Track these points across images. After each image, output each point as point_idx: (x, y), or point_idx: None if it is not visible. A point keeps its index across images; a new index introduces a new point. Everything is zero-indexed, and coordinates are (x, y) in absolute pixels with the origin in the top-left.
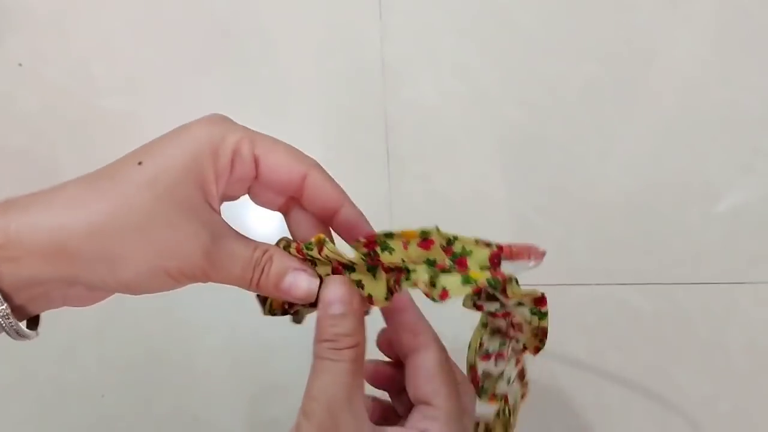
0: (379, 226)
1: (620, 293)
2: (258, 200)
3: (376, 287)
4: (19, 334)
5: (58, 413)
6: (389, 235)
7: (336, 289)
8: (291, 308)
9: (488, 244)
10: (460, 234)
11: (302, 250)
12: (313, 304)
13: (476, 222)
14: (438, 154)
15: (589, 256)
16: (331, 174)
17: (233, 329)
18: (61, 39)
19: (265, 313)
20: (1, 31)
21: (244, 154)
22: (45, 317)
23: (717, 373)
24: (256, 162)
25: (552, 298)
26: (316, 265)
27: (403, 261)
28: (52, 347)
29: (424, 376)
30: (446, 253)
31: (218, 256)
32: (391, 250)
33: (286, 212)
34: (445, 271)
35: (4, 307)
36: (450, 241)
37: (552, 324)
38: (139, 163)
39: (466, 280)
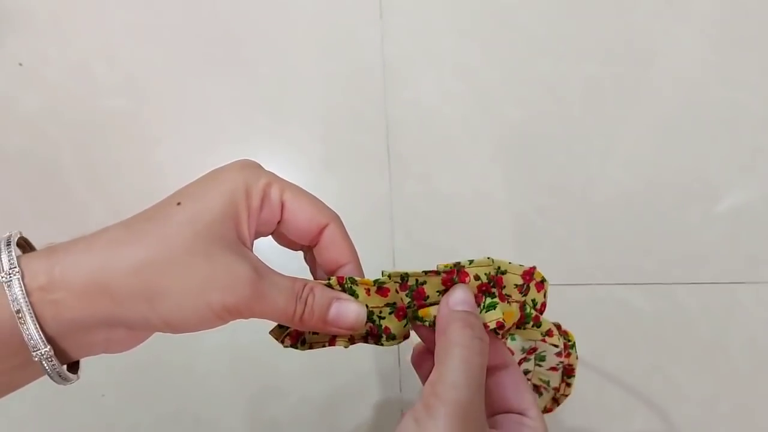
0: (380, 226)
1: (620, 293)
2: (280, 241)
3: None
4: (61, 377)
5: (58, 413)
6: (353, 281)
7: (463, 294)
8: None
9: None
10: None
11: (345, 284)
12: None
13: (477, 222)
14: (438, 154)
15: (589, 255)
16: (332, 174)
17: (234, 329)
18: (61, 39)
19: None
20: (1, 31)
21: (273, 197)
22: None
23: (717, 373)
24: (281, 206)
25: (552, 298)
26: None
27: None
28: None
29: (515, 389)
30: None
31: (263, 288)
32: (356, 296)
33: (306, 252)
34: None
35: (48, 349)
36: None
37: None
38: (178, 204)
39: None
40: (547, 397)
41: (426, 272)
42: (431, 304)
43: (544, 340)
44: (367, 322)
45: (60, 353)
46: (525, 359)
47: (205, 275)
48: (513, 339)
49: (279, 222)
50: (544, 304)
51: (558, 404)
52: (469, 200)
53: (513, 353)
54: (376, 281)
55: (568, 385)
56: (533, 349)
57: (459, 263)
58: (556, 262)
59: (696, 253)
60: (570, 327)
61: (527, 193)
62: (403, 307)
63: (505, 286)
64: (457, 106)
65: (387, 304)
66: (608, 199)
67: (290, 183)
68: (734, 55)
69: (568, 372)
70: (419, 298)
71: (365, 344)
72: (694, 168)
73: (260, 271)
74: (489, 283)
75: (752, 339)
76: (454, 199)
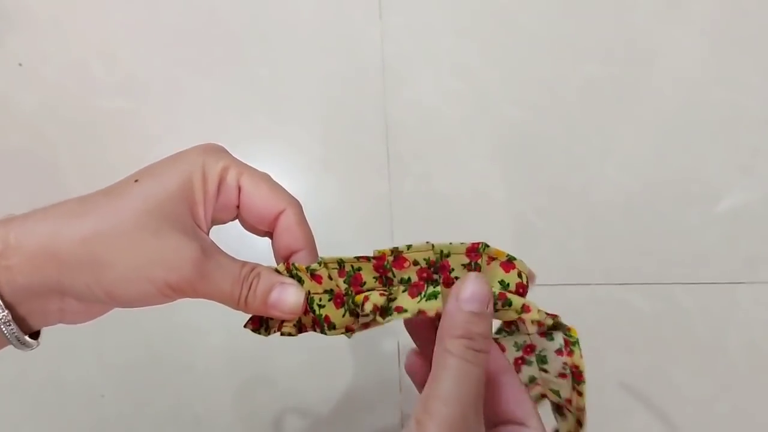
0: (379, 226)
1: (620, 293)
2: (244, 226)
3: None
4: (20, 341)
5: (58, 413)
6: (296, 267)
7: (477, 286)
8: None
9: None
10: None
11: (291, 270)
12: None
13: (476, 222)
14: (438, 154)
15: (588, 256)
16: (332, 174)
17: (233, 329)
18: (60, 39)
19: (264, 334)
20: (1, 31)
21: (229, 181)
22: None
23: (716, 372)
24: (238, 191)
25: (552, 298)
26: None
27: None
28: (51, 347)
29: (515, 398)
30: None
31: (208, 269)
32: (302, 282)
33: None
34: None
35: (5, 314)
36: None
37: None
38: (136, 181)
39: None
40: (571, 419)
41: (358, 258)
42: (369, 290)
43: (522, 319)
44: (308, 311)
45: (19, 320)
46: (524, 361)
47: (150, 251)
48: (503, 335)
49: (238, 207)
50: (521, 285)
51: (581, 426)
52: (469, 200)
53: (505, 350)
54: (308, 268)
55: (580, 393)
56: (530, 347)
57: (397, 248)
58: (555, 262)
59: (695, 253)
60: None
61: (526, 193)
62: (341, 294)
63: (453, 269)
64: (456, 106)
65: (325, 291)
66: (607, 200)
67: (251, 168)
68: (733, 55)
69: (576, 377)
70: (356, 284)
71: (352, 340)
72: (693, 168)
73: (208, 252)
74: (430, 268)
75: (751, 339)
76: (454, 199)
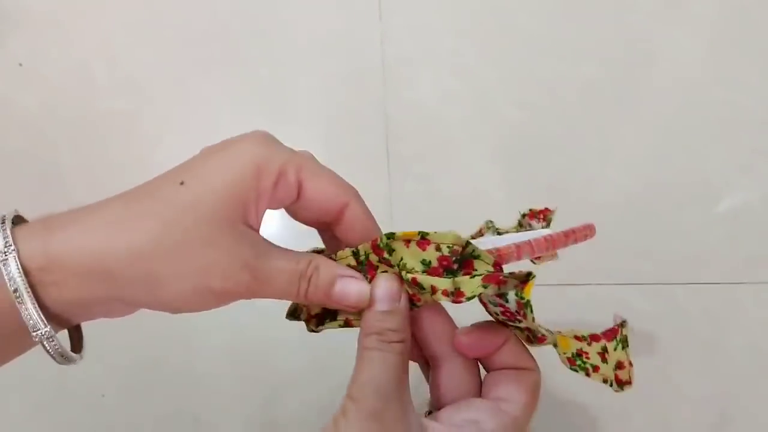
0: (380, 227)
1: (620, 293)
2: (295, 217)
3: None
4: (63, 357)
5: (58, 413)
6: (390, 236)
7: (384, 287)
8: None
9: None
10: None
11: (379, 244)
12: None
13: (476, 222)
14: (438, 155)
15: (589, 256)
16: None
17: (234, 330)
18: (61, 39)
19: (309, 329)
20: (1, 31)
21: (290, 178)
22: None
23: (717, 373)
24: (299, 186)
25: (552, 298)
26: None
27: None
28: None
29: (515, 348)
30: (453, 255)
31: (262, 271)
32: (391, 251)
33: (323, 230)
34: (451, 272)
35: (48, 329)
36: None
37: (551, 324)
38: (181, 183)
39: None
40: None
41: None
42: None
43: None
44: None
45: (57, 324)
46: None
47: (204, 262)
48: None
49: (296, 200)
50: (444, 258)
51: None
52: (469, 200)
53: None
54: (355, 253)
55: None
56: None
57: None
58: (555, 263)
59: (696, 253)
60: (569, 327)
61: (527, 193)
62: (438, 270)
63: (476, 270)
64: (456, 107)
65: (422, 262)
66: (608, 200)
67: (307, 159)
68: (734, 55)
69: (536, 340)
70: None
71: (353, 342)
72: (693, 169)
73: (261, 254)
74: (452, 258)
75: (752, 340)
76: (454, 199)
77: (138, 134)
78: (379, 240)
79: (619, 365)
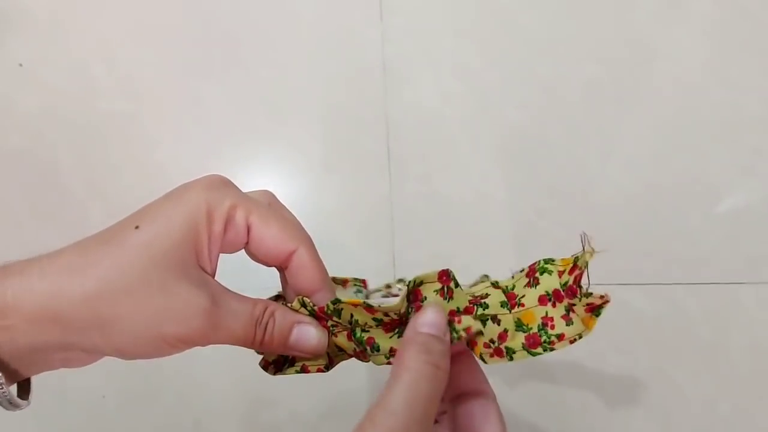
0: (380, 227)
1: (621, 294)
2: (253, 258)
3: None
4: (11, 404)
5: (59, 416)
6: (336, 301)
7: (435, 317)
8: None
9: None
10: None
11: (327, 310)
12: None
13: (477, 223)
14: (438, 155)
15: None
16: (332, 176)
17: None
18: (61, 40)
19: (274, 373)
20: (1, 32)
21: (238, 221)
22: None
23: (717, 373)
24: (248, 229)
25: None
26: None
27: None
28: None
29: (481, 422)
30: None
31: (219, 318)
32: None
33: (279, 270)
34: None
35: None
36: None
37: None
38: (136, 227)
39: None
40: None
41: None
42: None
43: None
44: (352, 340)
45: (11, 373)
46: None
47: (159, 307)
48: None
49: (246, 243)
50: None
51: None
52: (469, 201)
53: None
54: (326, 308)
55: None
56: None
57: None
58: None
59: (696, 253)
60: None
61: (527, 194)
62: (394, 322)
63: (425, 297)
64: (457, 107)
65: (374, 319)
66: (608, 200)
67: (258, 204)
68: (734, 55)
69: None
70: (416, 300)
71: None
72: (694, 169)
73: (217, 299)
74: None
75: (753, 339)
76: (454, 200)
77: (137, 134)
78: (326, 307)
79: (590, 308)
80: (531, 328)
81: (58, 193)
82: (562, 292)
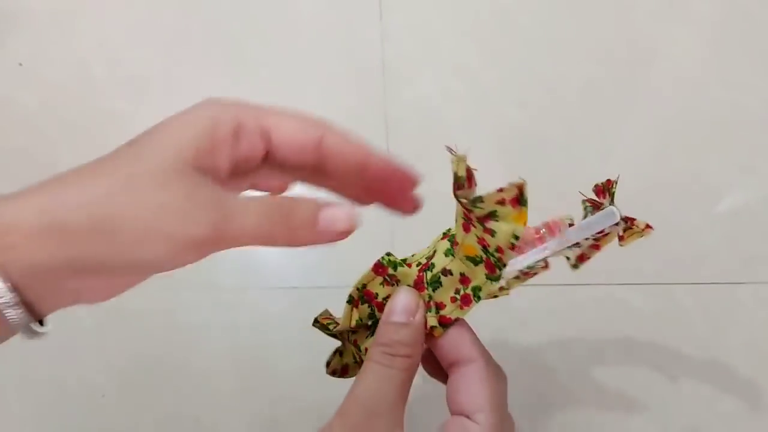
0: (380, 227)
1: (620, 293)
2: (280, 168)
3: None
4: (29, 329)
5: (58, 413)
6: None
7: (402, 299)
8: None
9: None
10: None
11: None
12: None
13: None
14: (438, 155)
15: None
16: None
17: (234, 330)
18: (61, 39)
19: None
20: (1, 31)
21: (249, 126)
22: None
23: (717, 373)
24: (267, 135)
25: (552, 298)
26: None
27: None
28: (51, 347)
29: (466, 390)
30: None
31: (230, 209)
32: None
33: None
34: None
35: (12, 296)
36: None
37: (552, 323)
38: (131, 144)
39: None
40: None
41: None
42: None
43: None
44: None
45: (28, 305)
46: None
47: (160, 203)
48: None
49: (267, 155)
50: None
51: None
52: None
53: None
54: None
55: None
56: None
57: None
58: (555, 263)
59: (695, 253)
60: (570, 327)
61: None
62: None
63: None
64: (456, 107)
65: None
66: None
67: (266, 106)
68: (734, 55)
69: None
70: (371, 300)
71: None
72: (693, 169)
73: (222, 195)
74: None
75: (752, 339)
76: (455, 199)
77: (138, 134)
78: (380, 259)
79: (513, 201)
80: (480, 257)
81: None
82: (464, 211)
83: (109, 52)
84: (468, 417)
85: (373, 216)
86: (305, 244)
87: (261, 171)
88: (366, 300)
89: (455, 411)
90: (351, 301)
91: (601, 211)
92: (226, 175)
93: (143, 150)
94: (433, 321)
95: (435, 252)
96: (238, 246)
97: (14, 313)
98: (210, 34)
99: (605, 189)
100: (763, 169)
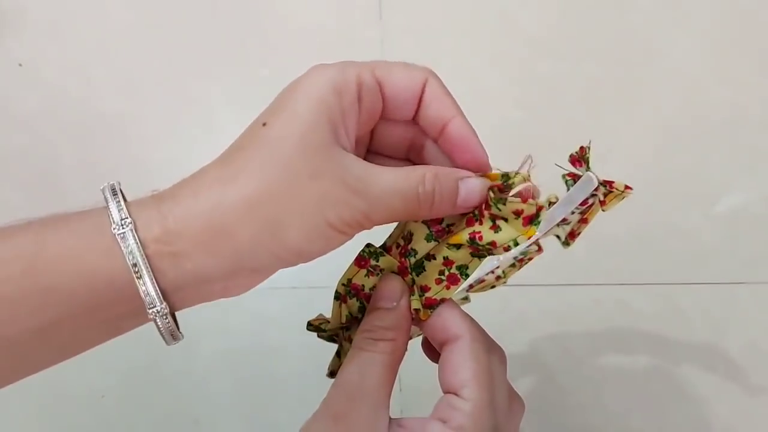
0: (380, 227)
1: (620, 294)
2: (390, 113)
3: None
4: (172, 336)
5: (58, 414)
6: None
7: (386, 285)
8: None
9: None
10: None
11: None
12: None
13: None
14: None
15: (588, 256)
16: None
17: (232, 332)
18: (61, 40)
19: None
20: (1, 31)
21: (368, 82)
22: None
23: (716, 373)
24: (380, 87)
25: (552, 299)
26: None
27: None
28: None
29: (453, 366)
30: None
31: (371, 194)
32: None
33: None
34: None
35: (163, 306)
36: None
37: (552, 324)
38: (264, 125)
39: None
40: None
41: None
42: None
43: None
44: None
45: (171, 305)
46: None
47: (315, 194)
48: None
49: (382, 111)
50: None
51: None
52: None
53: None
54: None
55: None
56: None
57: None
58: (555, 263)
59: (695, 253)
60: (569, 327)
61: None
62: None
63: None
64: None
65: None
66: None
67: (375, 61)
68: (734, 55)
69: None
70: (358, 292)
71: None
72: (693, 168)
73: (366, 174)
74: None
75: (751, 340)
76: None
77: (137, 134)
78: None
79: (526, 219)
80: (465, 244)
81: (57, 192)
82: (482, 207)
83: (108, 53)
84: (455, 394)
85: None
86: (442, 215)
87: (377, 130)
88: (354, 294)
89: (444, 389)
90: (338, 297)
91: (580, 180)
92: (352, 136)
93: (283, 133)
94: (416, 304)
95: (412, 235)
96: (383, 224)
97: (161, 322)
98: (210, 34)
99: (580, 157)
100: (763, 169)
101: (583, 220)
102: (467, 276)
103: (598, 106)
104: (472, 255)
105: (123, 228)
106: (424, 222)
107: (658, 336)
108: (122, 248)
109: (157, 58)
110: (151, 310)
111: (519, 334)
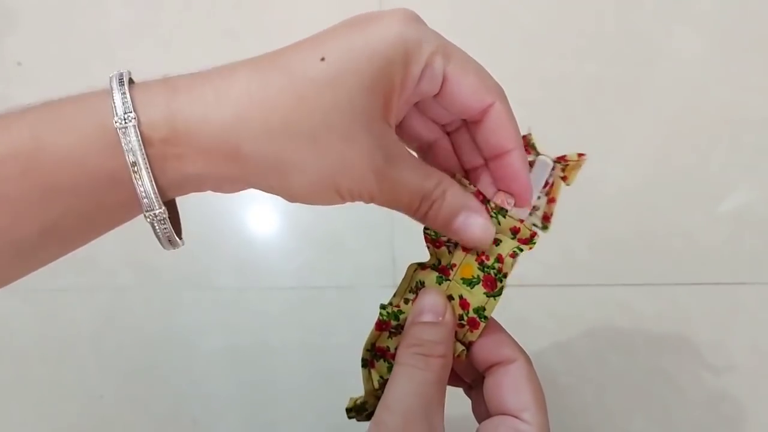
0: (380, 227)
1: (621, 294)
2: (430, 112)
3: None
4: (170, 242)
5: (58, 413)
6: (502, 212)
7: (431, 299)
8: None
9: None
10: None
11: (489, 208)
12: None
13: None
14: None
15: (590, 256)
16: None
17: (232, 331)
18: (60, 39)
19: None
20: (0, 31)
21: (436, 69)
22: (43, 313)
23: (718, 374)
24: (443, 80)
25: (553, 299)
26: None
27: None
28: (51, 347)
29: (510, 388)
30: None
31: (388, 181)
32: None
33: (427, 149)
34: None
35: (162, 210)
36: None
37: (553, 324)
38: (322, 59)
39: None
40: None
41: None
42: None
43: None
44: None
45: (163, 196)
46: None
47: (337, 157)
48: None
49: (436, 95)
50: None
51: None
52: None
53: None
54: (501, 212)
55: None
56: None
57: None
58: (556, 263)
59: (698, 253)
60: (571, 328)
61: None
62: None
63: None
64: None
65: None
66: (609, 200)
67: (456, 49)
68: (736, 54)
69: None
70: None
71: (357, 343)
72: (695, 168)
73: (392, 160)
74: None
75: (754, 340)
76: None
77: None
78: (488, 206)
79: (522, 241)
80: (477, 276)
81: None
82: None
83: (107, 51)
84: (514, 416)
85: (374, 217)
86: (438, 231)
87: (412, 113)
88: (380, 356)
89: (498, 411)
90: (366, 364)
91: (534, 166)
92: (402, 112)
93: (333, 73)
94: (459, 347)
95: (423, 284)
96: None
97: (158, 228)
98: (210, 33)
99: (527, 145)
100: (765, 169)
101: (551, 200)
102: (485, 319)
103: (599, 106)
104: (487, 295)
105: (126, 123)
106: (432, 268)
107: (660, 337)
108: (122, 144)
109: (156, 58)
110: (148, 214)
111: (520, 334)
